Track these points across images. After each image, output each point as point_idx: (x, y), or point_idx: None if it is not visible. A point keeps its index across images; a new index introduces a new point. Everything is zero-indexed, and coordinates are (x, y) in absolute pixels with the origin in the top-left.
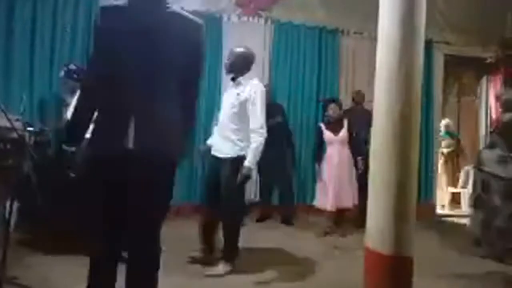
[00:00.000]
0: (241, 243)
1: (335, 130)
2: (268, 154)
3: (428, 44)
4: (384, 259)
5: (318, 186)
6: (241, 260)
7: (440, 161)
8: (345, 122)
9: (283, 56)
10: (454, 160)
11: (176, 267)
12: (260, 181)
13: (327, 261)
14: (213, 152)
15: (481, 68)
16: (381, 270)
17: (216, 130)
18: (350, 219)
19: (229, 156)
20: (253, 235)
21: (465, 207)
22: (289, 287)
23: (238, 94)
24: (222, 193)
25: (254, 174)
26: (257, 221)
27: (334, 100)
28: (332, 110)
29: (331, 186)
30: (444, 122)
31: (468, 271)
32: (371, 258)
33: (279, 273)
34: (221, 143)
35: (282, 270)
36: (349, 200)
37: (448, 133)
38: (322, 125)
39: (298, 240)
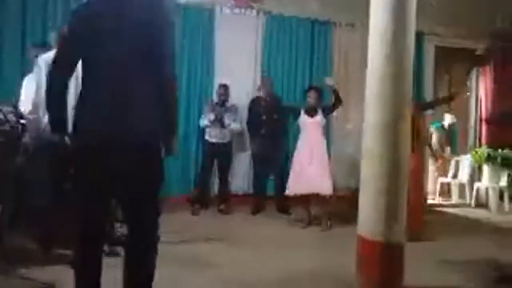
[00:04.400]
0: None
1: (311, 114)
2: (263, 146)
3: (419, 36)
4: (376, 246)
5: (291, 173)
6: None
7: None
8: (320, 110)
9: (275, 48)
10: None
11: (168, 258)
12: (254, 173)
13: (318, 249)
14: None
15: (472, 60)
16: (374, 257)
17: None
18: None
19: None
20: (245, 226)
21: (455, 197)
22: (283, 276)
23: None
24: None
25: (248, 166)
26: (252, 213)
27: (313, 88)
28: (311, 96)
29: (304, 170)
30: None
31: (460, 258)
32: (363, 246)
33: (271, 261)
34: None
35: (272, 259)
36: (324, 186)
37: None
38: (303, 111)
39: (287, 230)
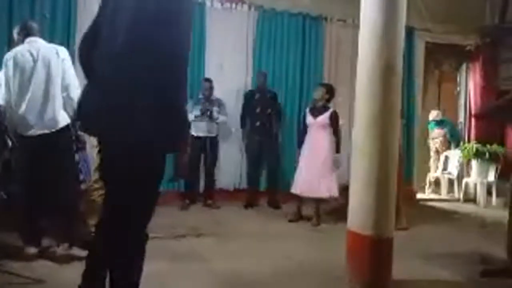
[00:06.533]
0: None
1: (316, 114)
2: (257, 139)
3: (410, 32)
4: (365, 240)
5: (296, 173)
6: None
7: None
8: (330, 111)
9: (267, 43)
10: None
11: (158, 252)
12: (247, 167)
13: (309, 243)
14: None
15: (461, 56)
16: (363, 251)
17: None
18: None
19: None
20: (235, 220)
21: (444, 192)
22: (274, 269)
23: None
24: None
25: (238, 161)
26: (245, 207)
27: (320, 84)
28: (316, 93)
29: (301, 171)
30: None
31: (447, 251)
32: (353, 240)
33: (262, 255)
34: None
35: (263, 253)
36: (319, 189)
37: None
38: (307, 110)
39: (278, 224)
